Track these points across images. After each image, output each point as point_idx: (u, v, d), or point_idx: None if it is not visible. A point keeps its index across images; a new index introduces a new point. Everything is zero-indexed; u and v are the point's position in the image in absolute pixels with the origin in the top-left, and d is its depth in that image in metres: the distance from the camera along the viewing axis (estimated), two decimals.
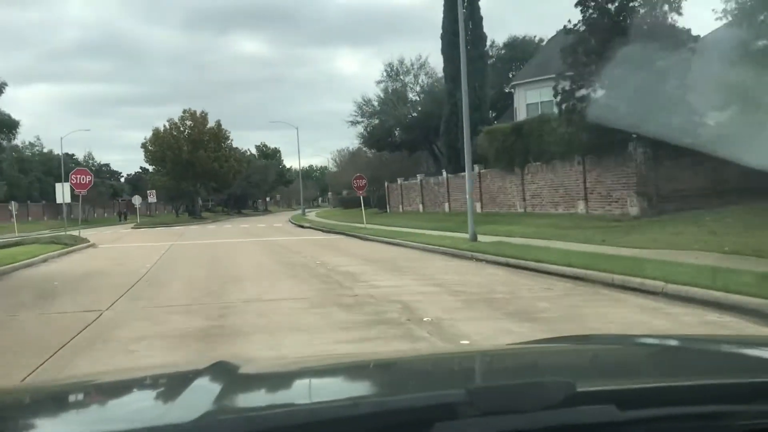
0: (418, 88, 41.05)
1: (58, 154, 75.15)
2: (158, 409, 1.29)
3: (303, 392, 1.46)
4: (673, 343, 1.91)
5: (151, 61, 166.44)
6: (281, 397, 1.37)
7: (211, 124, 61.32)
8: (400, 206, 39.15)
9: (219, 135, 60.99)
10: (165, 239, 28.36)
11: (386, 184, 41.70)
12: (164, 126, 59.76)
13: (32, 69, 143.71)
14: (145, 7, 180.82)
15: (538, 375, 1.50)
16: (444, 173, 32.34)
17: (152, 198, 49.52)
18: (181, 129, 60.13)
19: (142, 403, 1.42)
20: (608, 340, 2.15)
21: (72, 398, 1.49)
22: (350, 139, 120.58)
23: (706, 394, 1.15)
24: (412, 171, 43.85)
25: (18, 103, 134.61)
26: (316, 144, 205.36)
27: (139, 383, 1.62)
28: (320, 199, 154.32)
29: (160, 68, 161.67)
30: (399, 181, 39.29)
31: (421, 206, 36.01)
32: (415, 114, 41.26)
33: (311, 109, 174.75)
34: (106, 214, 78.63)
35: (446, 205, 32.18)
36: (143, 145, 59.65)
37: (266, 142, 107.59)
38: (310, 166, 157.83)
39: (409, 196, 38.09)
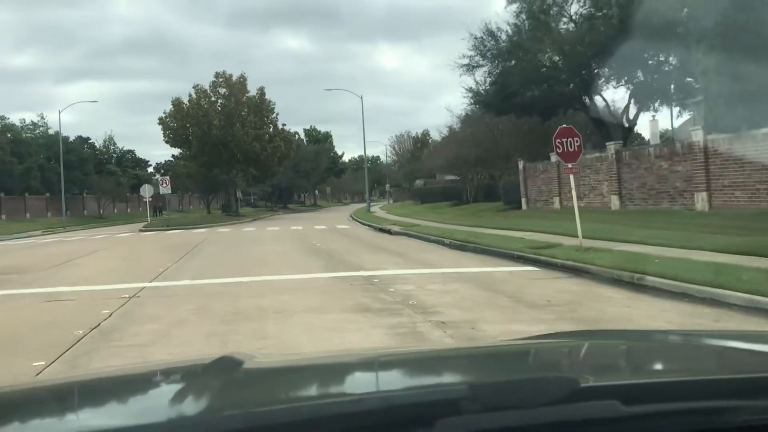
0: (573, 10, 25.34)
1: (66, 136, 62.33)
2: (162, 403, 1.26)
3: (306, 388, 1.39)
4: (677, 338, 1.88)
5: (196, 57, 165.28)
6: (285, 392, 1.36)
7: (252, 92, 46.84)
8: (556, 200, 23.74)
9: (262, 107, 46.42)
10: (152, 264, 13.97)
11: (522, 164, 26.40)
12: (190, 95, 45.60)
13: (80, 66, 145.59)
14: (190, 4, 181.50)
15: (541, 371, 1.47)
16: (698, 134, 16.61)
17: (165, 187, 35.13)
18: (213, 99, 45.87)
19: (146, 398, 1.40)
20: (611, 336, 2.13)
21: (76, 394, 1.46)
22: (402, 127, 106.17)
23: (710, 389, 1.13)
24: (542, 149, 28.62)
25: (66, 100, 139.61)
26: (358, 139, 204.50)
27: (143, 378, 1.58)
28: (370, 193, 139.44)
29: (204, 65, 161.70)
30: (553, 158, 23.83)
31: (615, 199, 20.37)
32: (557, 58, 25.89)
33: (353, 104, 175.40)
34: (129, 209, 65.21)
35: (699, 197, 16.58)
36: (161, 121, 45.53)
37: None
38: (360, 157, 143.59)
39: (579, 182, 22.51)
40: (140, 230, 34.46)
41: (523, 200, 26.26)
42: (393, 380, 1.50)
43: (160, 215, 61.22)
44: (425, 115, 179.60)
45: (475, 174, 38.64)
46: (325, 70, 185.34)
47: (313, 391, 1.37)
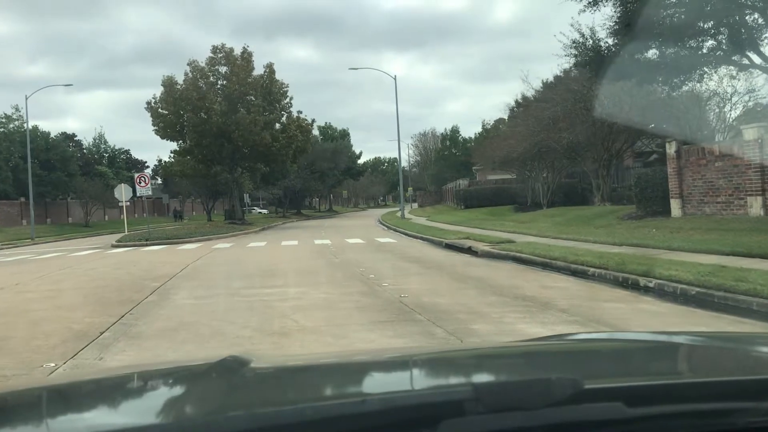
0: None
1: (46, 132, 53.47)
2: (167, 404, 1.25)
3: (311, 388, 1.38)
4: (681, 339, 1.82)
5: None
6: (290, 393, 1.35)
7: (259, 70, 37.88)
8: (755, 200, 14.41)
9: (272, 88, 37.42)
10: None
11: (675, 147, 17.17)
12: (186, 74, 36.77)
13: (92, 75, 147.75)
14: (197, 14, 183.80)
15: (544, 372, 1.44)
16: None
17: (143, 187, 26.02)
18: (212, 79, 37.01)
19: (151, 399, 1.39)
20: (615, 337, 2.06)
21: (81, 395, 1.45)
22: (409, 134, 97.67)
23: (714, 391, 1.13)
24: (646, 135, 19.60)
25: (77, 109, 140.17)
26: (364, 144, 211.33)
27: (149, 378, 1.56)
28: (387, 197, 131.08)
29: None
30: (750, 133, 14.47)
31: None
32: None
33: (360, 111, 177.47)
34: (122, 215, 56.26)
35: None
36: (149, 106, 36.61)
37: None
38: (377, 158, 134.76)
39: None
40: (113, 245, 25.68)
41: (675, 202, 17.10)
42: (397, 381, 1.48)
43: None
44: (431, 121, 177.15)
45: (552, 170, 29.55)
46: (331, 77, 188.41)
47: (317, 391, 1.34)
